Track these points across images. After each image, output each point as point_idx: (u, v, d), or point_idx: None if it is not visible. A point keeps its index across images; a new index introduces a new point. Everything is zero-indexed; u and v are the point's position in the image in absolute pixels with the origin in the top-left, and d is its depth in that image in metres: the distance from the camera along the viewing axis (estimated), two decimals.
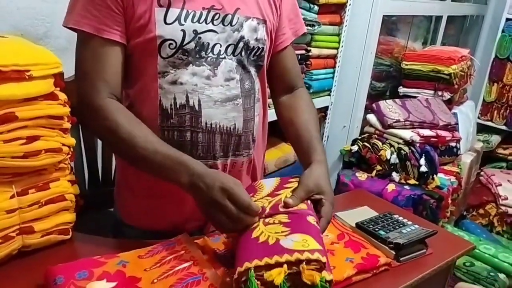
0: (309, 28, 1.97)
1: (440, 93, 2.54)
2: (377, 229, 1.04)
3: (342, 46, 2.27)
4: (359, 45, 2.29)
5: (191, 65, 0.96)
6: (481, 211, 2.85)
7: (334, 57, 2.29)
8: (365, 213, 1.15)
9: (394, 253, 0.98)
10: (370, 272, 0.93)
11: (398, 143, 2.13)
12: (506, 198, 2.77)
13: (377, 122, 2.24)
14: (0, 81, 0.77)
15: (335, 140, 2.46)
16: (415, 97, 2.52)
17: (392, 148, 2.12)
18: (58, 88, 0.87)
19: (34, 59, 0.83)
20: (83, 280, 0.75)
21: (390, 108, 2.26)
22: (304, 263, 0.71)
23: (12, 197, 0.82)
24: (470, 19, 3.61)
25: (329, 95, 2.35)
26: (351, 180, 2.13)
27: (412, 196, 1.97)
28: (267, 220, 0.83)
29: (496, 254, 1.98)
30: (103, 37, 0.92)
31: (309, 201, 0.89)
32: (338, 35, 2.25)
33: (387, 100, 2.33)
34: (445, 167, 2.29)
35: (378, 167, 2.15)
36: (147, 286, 0.76)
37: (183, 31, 0.93)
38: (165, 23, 0.92)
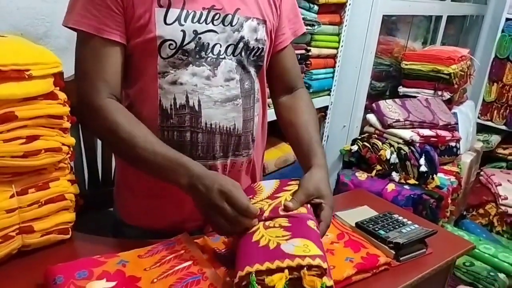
0: (309, 27, 1.97)
1: (440, 93, 2.54)
2: (377, 229, 1.04)
3: (342, 46, 2.27)
4: (359, 45, 2.29)
5: (191, 65, 0.96)
6: (481, 211, 2.85)
7: (334, 56, 2.29)
8: (365, 212, 1.15)
9: (394, 252, 0.99)
10: (370, 271, 0.93)
11: (398, 143, 2.13)
12: (506, 198, 2.77)
13: (377, 122, 2.24)
14: (0, 81, 0.77)
15: (335, 140, 2.46)
16: (415, 97, 2.52)
17: (392, 148, 2.12)
18: (58, 88, 0.87)
19: (34, 58, 0.83)
20: (83, 279, 0.75)
21: (390, 108, 2.26)
22: (305, 268, 0.71)
23: (11, 196, 0.82)
24: (470, 19, 3.61)
25: (329, 94, 2.35)
26: (351, 180, 2.13)
27: (412, 195, 1.97)
28: (267, 223, 0.83)
29: (496, 254, 1.98)
30: (103, 37, 0.92)
31: (309, 205, 0.89)
32: (338, 34, 2.25)
33: (387, 100, 2.33)
34: (445, 167, 2.29)
35: (378, 167, 2.15)
36: (147, 285, 0.76)
37: (183, 31, 0.93)
38: (165, 23, 0.92)
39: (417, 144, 2.10)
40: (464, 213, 2.88)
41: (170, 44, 0.93)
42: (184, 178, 0.87)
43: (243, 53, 1.01)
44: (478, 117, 3.44)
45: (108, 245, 0.95)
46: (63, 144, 0.88)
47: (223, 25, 0.98)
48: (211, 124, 0.99)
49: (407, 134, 2.12)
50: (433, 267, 1.00)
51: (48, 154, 0.85)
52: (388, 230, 1.03)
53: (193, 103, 0.97)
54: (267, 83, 1.14)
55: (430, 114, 2.29)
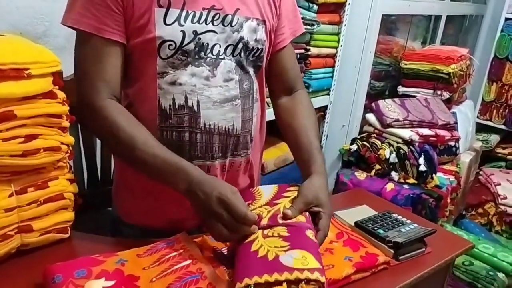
0: (308, 27, 1.97)
1: (439, 92, 2.53)
2: (376, 228, 1.04)
3: (341, 46, 2.27)
4: (358, 45, 2.29)
5: (190, 65, 0.96)
6: (480, 210, 2.85)
7: (333, 56, 2.29)
8: (364, 212, 1.15)
9: (393, 252, 0.99)
10: (369, 271, 0.93)
11: (397, 143, 2.13)
12: (505, 198, 2.77)
13: (376, 121, 2.24)
14: None
15: (334, 140, 2.46)
16: (414, 96, 2.52)
17: (391, 148, 2.12)
18: (57, 87, 0.87)
19: (33, 57, 0.83)
20: (82, 278, 0.74)
21: (389, 107, 2.25)
22: (303, 282, 0.72)
23: (10, 195, 0.82)
24: (469, 19, 3.61)
25: (328, 94, 2.35)
26: (350, 179, 2.13)
27: (411, 195, 1.96)
28: (266, 232, 0.83)
29: (495, 253, 1.98)
30: (103, 37, 0.91)
31: (307, 213, 0.90)
32: (337, 34, 2.25)
33: (386, 100, 2.33)
34: (444, 167, 2.29)
35: (377, 167, 2.15)
36: (146, 284, 0.76)
37: (183, 31, 0.93)
38: (165, 23, 0.92)
39: (416, 144, 2.10)
40: (463, 212, 2.88)
41: (169, 45, 0.93)
42: (183, 183, 0.87)
43: (242, 54, 1.01)
44: (477, 117, 3.44)
45: (107, 244, 0.95)
46: (62, 143, 0.88)
47: (223, 25, 0.97)
48: (209, 125, 0.99)
49: (406, 133, 2.12)
50: (432, 267, 1.01)
51: (47, 153, 0.85)
52: (387, 230, 1.03)
53: (192, 103, 0.97)
54: (266, 83, 1.14)
55: (430, 114, 2.29)
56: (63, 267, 0.76)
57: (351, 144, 2.25)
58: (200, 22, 0.95)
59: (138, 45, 0.94)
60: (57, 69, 0.86)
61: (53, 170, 0.89)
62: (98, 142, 1.30)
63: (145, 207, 1.06)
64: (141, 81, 0.98)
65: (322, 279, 0.72)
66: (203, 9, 0.95)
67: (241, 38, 1.00)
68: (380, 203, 1.33)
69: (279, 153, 2.03)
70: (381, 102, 2.28)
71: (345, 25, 2.24)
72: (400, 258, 0.99)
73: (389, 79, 2.74)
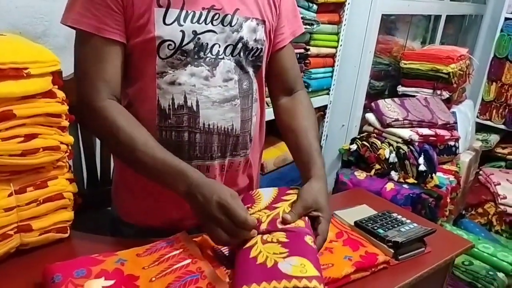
0: (308, 27, 1.97)
1: (439, 92, 2.53)
2: (375, 228, 1.04)
3: (341, 45, 2.27)
4: (358, 44, 2.29)
5: (189, 65, 0.96)
6: (479, 210, 2.86)
7: (333, 56, 2.29)
8: (363, 211, 1.15)
9: (392, 251, 0.99)
10: (369, 270, 0.93)
11: (397, 142, 2.13)
12: (505, 197, 2.77)
13: (376, 121, 2.24)
14: None
15: (333, 139, 2.46)
16: (414, 96, 2.52)
17: (391, 147, 2.12)
18: (56, 86, 0.87)
19: (32, 57, 0.83)
20: (81, 278, 0.74)
21: (389, 107, 2.25)
22: None
23: (10, 195, 0.82)
24: (469, 19, 3.61)
25: (328, 94, 2.35)
26: (350, 179, 2.13)
27: (411, 195, 1.96)
28: (265, 237, 0.83)
29: (495, 253, 1.98)
30: (104, 37, 0.91)
31: (306, 218, 0.90)
32: (337, 34, 2.25)
33: (386, 99, 2.33)
34: (444, 166, 2.29)
35: (377, 166, 2.15)
36: (145, 284, 0.76)
37: (182, 31, 0.93)
38: (164, 23, 0.92)
39: (416, 143, 2.10)
40: (463, 212, 2.88)
41: (169, 45, 0.93)
42: (183, 185, 0.87)
43: (241, 54, 1.01)
44: (477, 117, 3.44)
45: (106, 244, 0.95)
46: (62, 143, 0.88)
47: (222, 25, 0.97)
48: (209, 125, 0.99)
49: (406, 133, 2.12)
50: (431, 266, 1.01)
51: (46, 153, 0.85)
52: (387, 229, 1.03)
53: (191, 103, 0.97)
54: (266, 83, 1.14)
55: (429, 113, 2.29)
56: (62, 267, 0.76)
57: (351, 143, 2.26)
58: (200, 22, 0.95)
59: (138, 45, 0.94)
60: (56, 69, 0.86)
61: (52, 170, 0.89)
62: (98, 141, 1.30)
63: (145, 206, 1.06)
64: (141, 81, 0.98)
65: (320, 287, 0.73)
66: (203, 9, 0.95)
67: (241, 38, 1.00)
68: (380, 202, 1.33)
69: (279, 152, 2.03)
70: (380, 102, 2.28)
71: (344, 24, 2.23)
72: (399, 257, 0.99)
73: (388, 79, 2.74)
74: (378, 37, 2.36)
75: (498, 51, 3.29)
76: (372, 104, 2.30)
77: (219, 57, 0.98)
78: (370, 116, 2.28)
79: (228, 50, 0.99)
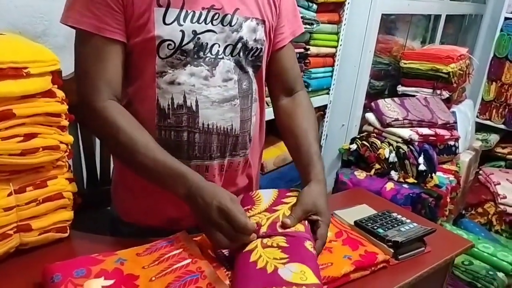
0: (307, 26, 1.97)
1: (438, 91, 2.54)
2: (375, 227, 1.04)
3: (340, 45, 2.27)
4: (358, 44, 2.29)
5: (189, 65, 0.96)
6: (479, 210, 2.86)
7: (332, 55, 2.29)
8: (363, 211, 1.15)
9: (392, 251, 0.98)
10: (368, 269, 0.93)
11: (397, 142, 2.13)
12: (505, 197, 2.77)
13: (376, 120, 2.24)
14: None
15: (333, 139, 2.46)
16: (413, 95, 2.52)
17: (390, 147, 2.12)
18: (56, 86, 0.87)
19: (32, 56, 0.83)
20: (81, 278, 0.74)
21: (389, 106, 2.25)
22: None
23: (9, 194, 0.82)
24: (468, 18, 3.61)
25: (327, 93, 2.35)
26: (349, 179, 2.13)
27: (411, 194, 1.97)
28: (265, 241, 0.83)
29: (495, 252, 1.98)
30: (104, 36, 0.91)
31: (306, 222, 0.90)
32: (337, 33, 2.25)
33: (385, 99, 2.33)
34: (444, 166, 2.29)
35: (377, 166, 2.15)
36: (145, 283, 0.76)
37: (182, 31, 0.93)
38: (164, 23, 0.92)
39: (416, 143, 2.10)
40: (463, 212, 2.88)
41: (168, 44, 0.93)
42: (183, 188, 0.87)
43: (241, 53, 1.01)
44: (477, 116, 3.44)
45: (106, 244, 0.95)
46: (61, 142, 0.88)
47: (222, 25, 0.97)
48: (208, 125, 0.99)
49: (406, 133, 2.12)
50: (431, 266, 1.00)
51: (46, 152, 0.85)
52: (386, 229, 1.03)
53: (191, 103, 0.97)
54: (266, 84, 1.14)
55: (429, 113, 2.29)
56: (62, 267, 0.76)
57: (351, 143, 2.26)
58: (200, 21, 0.95)
59: (138, 45, 0.94)
60: (56, 68, 0.86)
61: (52, 169, 0.89)
62: (98, 141, 1.30)
63: (145, 206, 1.06)
64: (140, 81, 0.98)
65: None
66: (203, 8, 0.95)
67: (240, 38, 0.99)
68: (380, 202, 1.32)
69: (279, 152, 2.03)
70: (380, 102, 2.29)
71: (344, 24, 2.23)
72: (399, 257, 0.99)
73: (388, 79, 2.74)
74: (378, 37, 2.36)
75: (498, 50, 3.29)
76: (372, 103, 2.30)
77: (219, 57, 0.98)
78: (370, 116, 2.28)
79: (228, 50, 0.99)
